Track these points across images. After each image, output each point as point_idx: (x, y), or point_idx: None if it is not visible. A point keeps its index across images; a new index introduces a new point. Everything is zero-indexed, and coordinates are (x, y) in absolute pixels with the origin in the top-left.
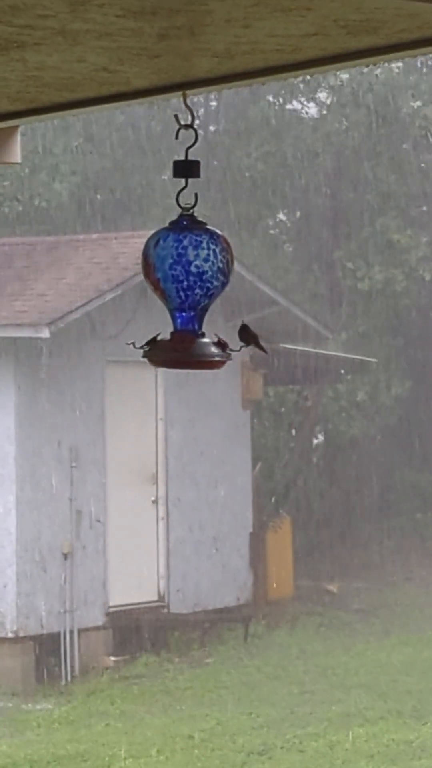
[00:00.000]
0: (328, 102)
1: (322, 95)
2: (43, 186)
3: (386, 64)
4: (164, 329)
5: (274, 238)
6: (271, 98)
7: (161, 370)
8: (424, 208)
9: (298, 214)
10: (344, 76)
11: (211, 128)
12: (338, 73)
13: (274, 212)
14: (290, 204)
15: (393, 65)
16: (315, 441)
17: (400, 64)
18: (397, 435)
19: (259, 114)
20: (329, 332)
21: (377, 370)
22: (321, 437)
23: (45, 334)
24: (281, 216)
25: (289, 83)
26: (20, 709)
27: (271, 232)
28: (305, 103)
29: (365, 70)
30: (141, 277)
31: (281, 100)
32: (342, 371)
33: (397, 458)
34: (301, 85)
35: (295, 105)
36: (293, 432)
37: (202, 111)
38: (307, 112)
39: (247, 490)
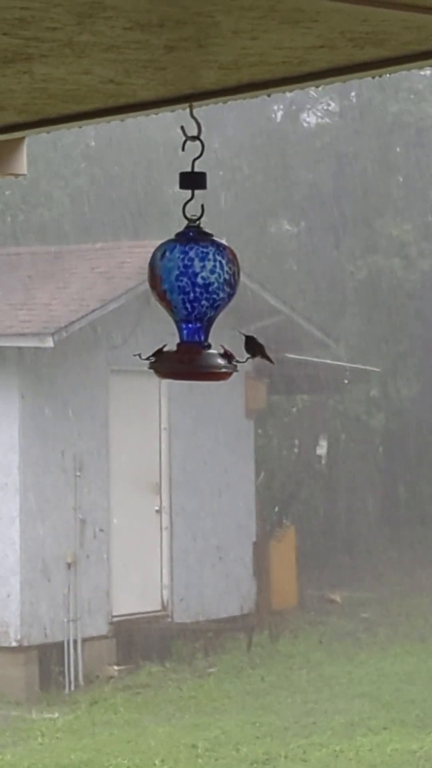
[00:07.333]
0: (335, 111)
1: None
2: (46, 196)
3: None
4: (168, 339)
5: (277, 247)
6: (275, 108)
7: (164, 380)
8: (430, 218)
9: (301, 222)
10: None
11: (217, 138)
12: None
13: (277, 221)
14: (294, 213)
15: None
16: (318, 450)
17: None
18: (401, 443)
19: (263, 123)
20: (332, 341)
21: (380, 379)
22: (324, 446)
23: (49, 343)
24: (285, 225)
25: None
26: (24, 718)
27: (275, 240)
28: (309, 111)
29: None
30: (145, 286)
31: (286, 109)
32: (345, 380)
33: (400, 467)
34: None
35: (300, 114)
36: (296, 441)
37: (207, 123)
38: (308, 121)
39: (251, 500)
